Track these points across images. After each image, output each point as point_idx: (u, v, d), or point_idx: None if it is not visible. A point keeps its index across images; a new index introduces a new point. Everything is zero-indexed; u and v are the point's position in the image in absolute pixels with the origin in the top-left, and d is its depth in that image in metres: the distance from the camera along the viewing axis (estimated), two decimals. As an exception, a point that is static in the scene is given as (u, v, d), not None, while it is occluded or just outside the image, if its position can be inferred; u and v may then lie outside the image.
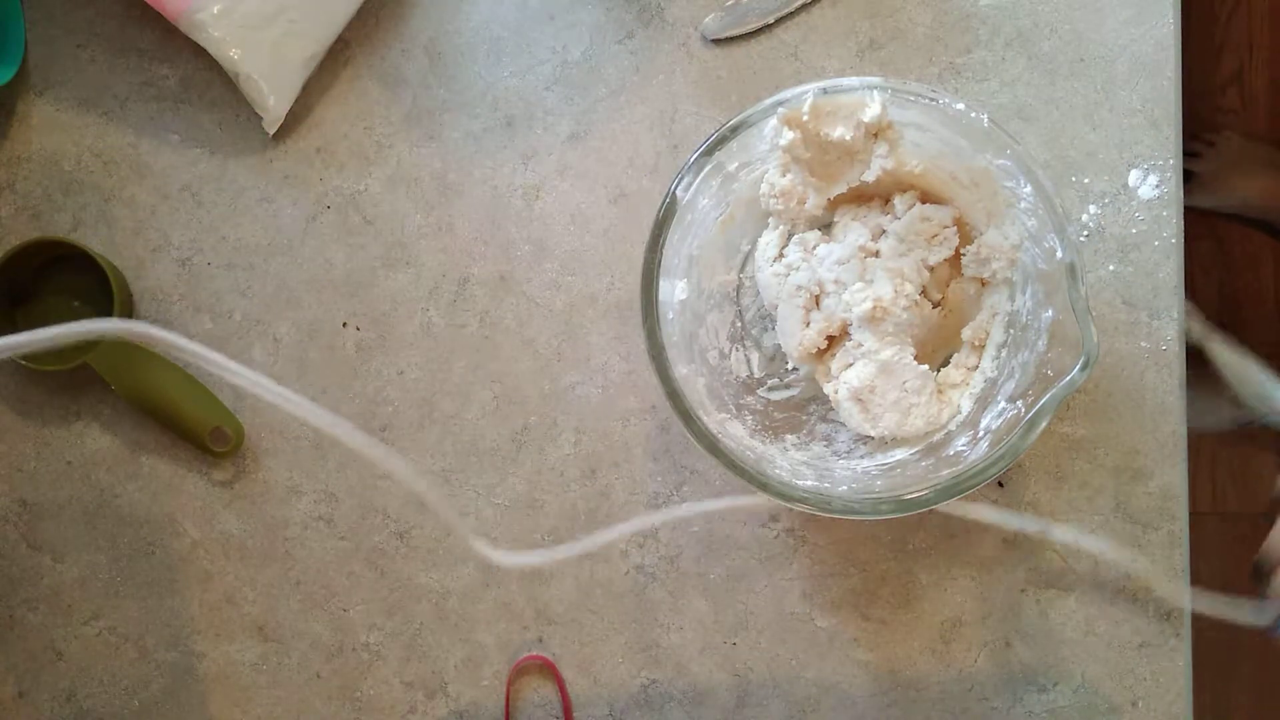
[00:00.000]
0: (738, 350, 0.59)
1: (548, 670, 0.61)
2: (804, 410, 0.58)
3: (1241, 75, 1.34)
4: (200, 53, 0.61)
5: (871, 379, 0.53)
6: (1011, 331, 0.53)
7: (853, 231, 0.54)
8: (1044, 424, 0.47)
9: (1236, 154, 1.30)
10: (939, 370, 0.55)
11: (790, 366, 0.58)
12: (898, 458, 0.54)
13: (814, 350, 0.55)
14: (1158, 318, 0.59)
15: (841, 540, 0.60)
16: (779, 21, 0.62)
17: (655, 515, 0.59)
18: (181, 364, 0.62)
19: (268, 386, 0.45)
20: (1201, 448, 1.28)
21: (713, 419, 0.51)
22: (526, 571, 0.61)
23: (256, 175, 0.63)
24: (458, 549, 0.62)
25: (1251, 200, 1.30)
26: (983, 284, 0.54)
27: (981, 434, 0.51)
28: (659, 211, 0.51)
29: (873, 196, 0.55)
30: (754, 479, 0.49)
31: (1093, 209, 0.60)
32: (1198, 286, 1.32)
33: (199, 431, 0.61)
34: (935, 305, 0.55)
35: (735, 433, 0.53)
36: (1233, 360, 0.59)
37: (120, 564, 0.63)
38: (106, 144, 0.64)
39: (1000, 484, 0.60)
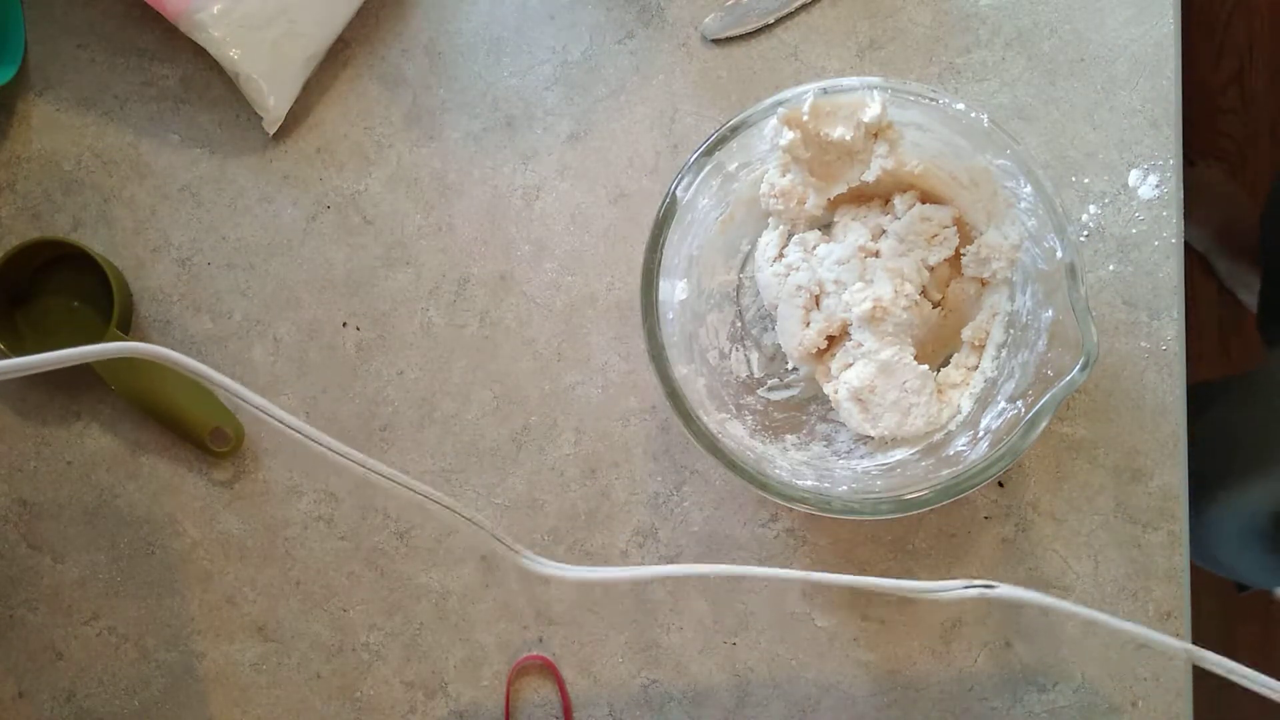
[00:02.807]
0: (738, 350, 0.59)
1: (548, 670, 0.61)
2: (804, 410, 0.58)
3: (1241, 75, 1.34)
4: (200, 53, 0.61)
5: (871, 379, 0.53)
6: (1011, 331, 0.53)
7: (853, 231, 0.54)
8: (1044, 424, 0.47)
9: (1209, 182, 1.30)
10: (939, 370, 0.55)
11: (790, 366, 0.58)
12: (898, 458, 0.54)
13: (814, 350, 0.55)
14: (1158, 318, 0.59)
15: (841, 540, 0.60)
16: (779, 21, 0.62)
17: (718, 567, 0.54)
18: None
19: (308, 431, 0.43)
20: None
21: (713, 419, 0.51)
22: (587, 583, 0.58)
23: (256, 175, 0.63)
24: (458, 549, 0.62)
25: (1203, 231, 1.29)
26: (983, 284, 0.54)
27: (981, 434, 0.51)
28: (659, 211, 0.51)
29: (873, 196, 0.55)
30: (754, 479, 0.49)
31: (1093, 209, 0.60)
32: (1198, 286, 1.32)
33: (199, 431, 0.61)
34: (935, 305, 0.55)
35: (735, 433, 0.53)
36: None
37: (120, 564, 0.63)
38: (106, 144, 0.64)
39: (1000, 484, 0.60)
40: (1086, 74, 0.60)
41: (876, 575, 0.60)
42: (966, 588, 0.47)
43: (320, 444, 0.43)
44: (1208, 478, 0.75)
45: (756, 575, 0.50)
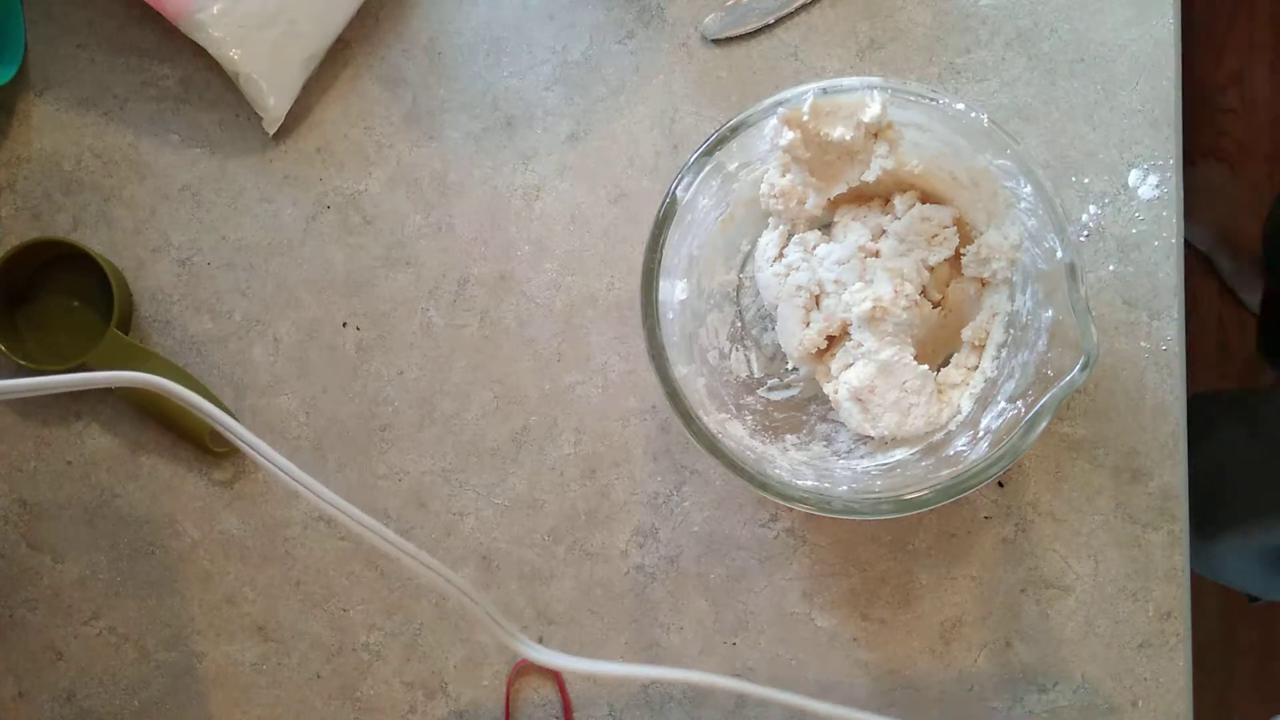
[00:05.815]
0: (738, 350, 0.59)
1: (548, 670, 0.61)
2: (804, 410, 0.58)
3: (1242, 75, 1.34)
4: (200, 53, 0.61)
5: (871, 379, 0.53)
6: (1011, 331, 0.53)
7: (853, 231, 0.54)
8: (1044, 424, 0.47)
9: (1209, 182, 1.30)
10: (939, 370, 0.55)
11: (790, 366, 0.58)
12: (898, 458, 0.54)
13: (814, 350, 0.55)
14: (1158, 318, 0.59)
15: (841, 540, 0.60)
16: (779, 21, 0.62)
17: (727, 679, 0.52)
18: (181, 364, 0.62)
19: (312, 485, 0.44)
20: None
21: (713, 419, 0.51)
22: (582, 675, 0.60)
23: (256, 175, 0.63)
24: (458, 549, 0.62)
25: (1204, 230, 1.29)
26: (983, 284, 0.54)
27: (981, 434, 0.51)
28: (659, 211, 0.51)
29: (873, 196, 0.55)
30: (754, 479, 0.49)
31: (1093, 209, 0.60)
32: (1198, 286, 1.32)
33: (199, 431, 0.61)
34: (935, 305, 0.55)
35: (735, 433, 0.53)
36: None
37: (120, 564, 0.63)
38: (106, 144, 0.64)
39: (1000, 484, 0.60)
40: (1086, 74, 0.60)
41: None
42: None
43: (314, 491, 0.43)
44: (1212, 513, 0.75)
45: (766, 697, 0.50)
